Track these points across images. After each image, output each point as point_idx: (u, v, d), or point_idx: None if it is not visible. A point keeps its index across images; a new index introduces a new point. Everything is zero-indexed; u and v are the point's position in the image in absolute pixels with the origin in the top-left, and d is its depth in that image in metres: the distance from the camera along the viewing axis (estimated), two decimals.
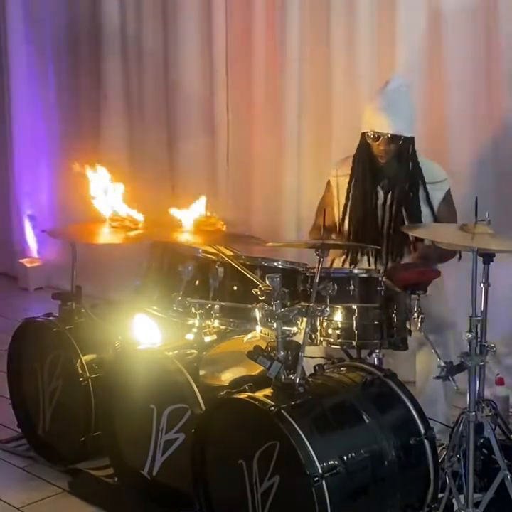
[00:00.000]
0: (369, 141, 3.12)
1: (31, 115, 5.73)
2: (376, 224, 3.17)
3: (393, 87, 3.15)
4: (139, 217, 3.08)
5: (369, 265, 3.16)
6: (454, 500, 2.59)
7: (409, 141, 3.11)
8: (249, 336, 2.79)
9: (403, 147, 3.11)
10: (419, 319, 2.78)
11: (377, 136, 3.09)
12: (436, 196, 3.17)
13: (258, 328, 2.73)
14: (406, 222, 3.11)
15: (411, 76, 3.81)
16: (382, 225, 3.16)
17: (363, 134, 3.15)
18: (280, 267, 2.83)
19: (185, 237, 2.83)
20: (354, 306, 2.75)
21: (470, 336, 2.49)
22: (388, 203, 3.15)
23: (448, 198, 3.21)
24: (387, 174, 3.16)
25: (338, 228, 3.25)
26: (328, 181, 3.34)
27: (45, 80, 5.64)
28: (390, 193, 3.15)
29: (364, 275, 2.82)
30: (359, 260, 3.19)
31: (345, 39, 4.08)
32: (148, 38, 4.94)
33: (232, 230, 3.01)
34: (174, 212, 2.88)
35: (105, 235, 3.15)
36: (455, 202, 3.49)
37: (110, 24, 5.07)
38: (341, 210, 3.24)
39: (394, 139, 3.07)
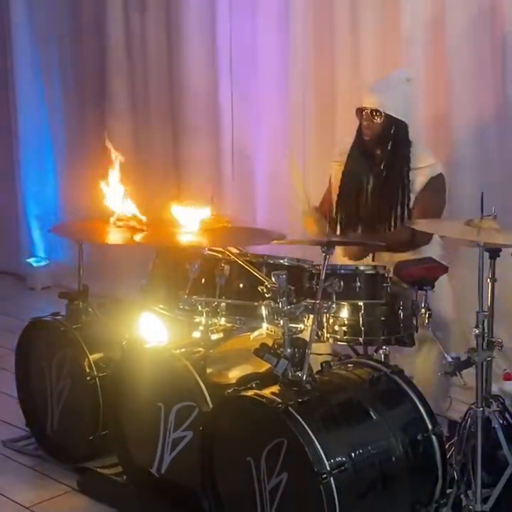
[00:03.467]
0: (358, 118, 3.23)
1: (37, 115, 5.74)
2: (363, 205, 3.22)
3: (392, 74, 3.33)
4: (144, 217, 3.08)
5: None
6: (462, 496, 2.59)
7: (393, 121, 3.17)
8: (256, 333, 2.79)
9: (386, 125, 3.17)
10: (427, 315, 2.77)
11: (362, 111, 3.20)
12: (418, 181, 3.18)
13: (264, 325, 2.73)
14: (386, 206, 3.17)
15: (414, 67, 3.81)
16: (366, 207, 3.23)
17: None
18: (286, 264, 2.83)
19: (191, 238, 2.82)
20: (360, 303, 2.75)
21: (477, 331, 2.49)
22: (372, 186, 3.21)
23: (433, 185, 3.19)
24: (373, 154, 3.22)
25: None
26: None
27: (50, 81, 5.66)
28: (378, 176, 3.20)
29: (370, 272, 2.82)
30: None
31: (349, 32, 4.08)
32: (152, 37, 4.95)
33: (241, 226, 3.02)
34: (177, 210, 2.88)
35: (111, 235, 3.15)
36: (460, 195, 3.48)
37: (114, 23, 5.08)
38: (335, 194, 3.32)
39: (376, 113, 3.16)
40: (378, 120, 3.17)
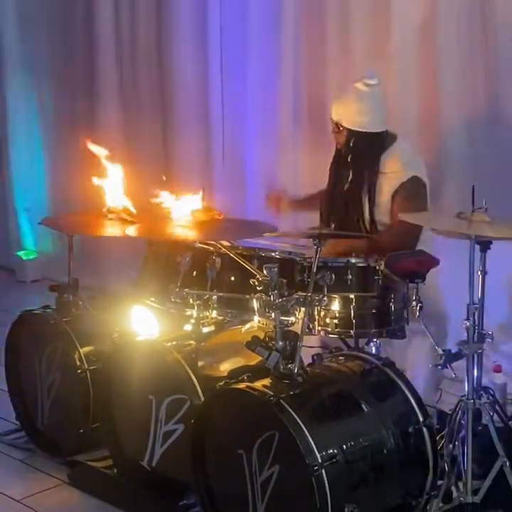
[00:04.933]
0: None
1: (27, 108, 5.72)
2: (339, 209, 3.24)
3: (355, 87, 3.22)
4: (135, 210, 3.08)
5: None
6: (453, 488, 2.60)
7: (354, 133, 3.16)
8: (247, 326, 2.79)
9: (348, 137, 3.18)
10: (418, 308, 2.78)
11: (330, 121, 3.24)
12: (384, 186, 3.14)
13: (256, 318, 2.73)
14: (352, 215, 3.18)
15: (405, 64, 3.82)
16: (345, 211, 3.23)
17: None
18: (277, 257, 2.82)
19: (183, 231, 2.82)
20: (351, 296, 2.76)
21: (468, 323, 2.49)
22: (345, 190, 3.22)
23: (404, 191, 3.12)
24: (345, 161, 3.23)
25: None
26: None
27: (40, 73, 5.63)
28: (349, 183, 3.21)
29: (361, 264, 2.82)
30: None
31: (340, 26, 4.08)
32: (142, 30, 4.93)
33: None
34: (166, 201, 2.87)
35: (102, 228, 3.15)
36: (453, 190, 3.47)
37: (104, 14, 5.05)
38: None
39: (337, 126, 3.19)
40: (341, 132, 3.18)
